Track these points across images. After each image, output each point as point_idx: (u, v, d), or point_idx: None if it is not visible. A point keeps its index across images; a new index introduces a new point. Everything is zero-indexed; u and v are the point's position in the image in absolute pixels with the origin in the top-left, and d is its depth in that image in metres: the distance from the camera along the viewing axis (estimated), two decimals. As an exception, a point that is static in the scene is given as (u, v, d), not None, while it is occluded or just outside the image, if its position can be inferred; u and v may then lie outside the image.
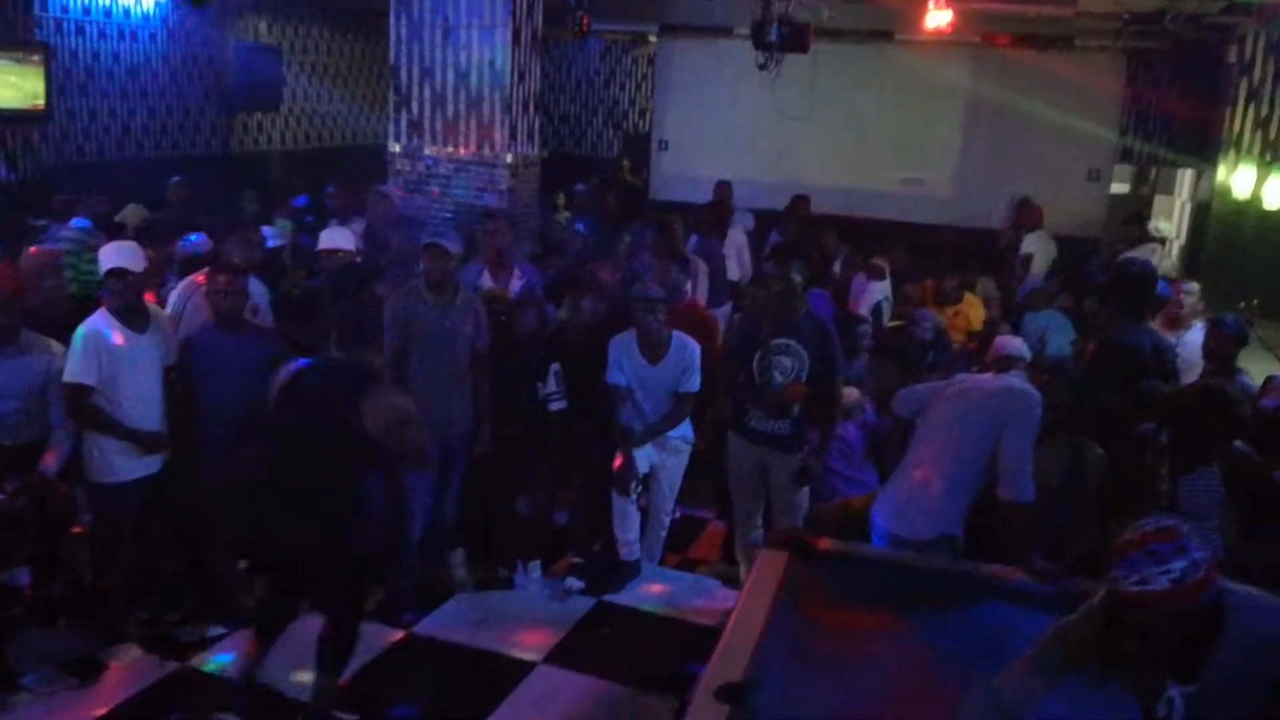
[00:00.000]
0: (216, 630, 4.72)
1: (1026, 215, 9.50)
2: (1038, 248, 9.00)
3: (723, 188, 9.36)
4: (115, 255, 4.47)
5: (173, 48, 10.98)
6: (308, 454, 3.74)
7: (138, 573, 4.73)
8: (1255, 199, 8.67)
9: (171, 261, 6.10)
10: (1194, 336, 5.28)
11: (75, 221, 6.66)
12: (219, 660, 4.51)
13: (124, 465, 4.44)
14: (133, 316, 4.44)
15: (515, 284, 6.23)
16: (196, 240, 6.37)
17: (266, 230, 7.25)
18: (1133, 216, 8.43)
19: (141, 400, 4.47)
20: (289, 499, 3.72)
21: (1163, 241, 8.17)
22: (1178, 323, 5.52)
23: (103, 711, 4.14)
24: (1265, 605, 2.40)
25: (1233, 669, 2.34)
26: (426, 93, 7.86)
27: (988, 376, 4.24)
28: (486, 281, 6.17)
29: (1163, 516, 2.41)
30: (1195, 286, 5.99)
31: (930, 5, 7.43)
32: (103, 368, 4.33)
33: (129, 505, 4.49)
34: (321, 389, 3.85)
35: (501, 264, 6.30)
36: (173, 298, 5.16)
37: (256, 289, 5.30)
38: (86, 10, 9.88)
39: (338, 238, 6.06)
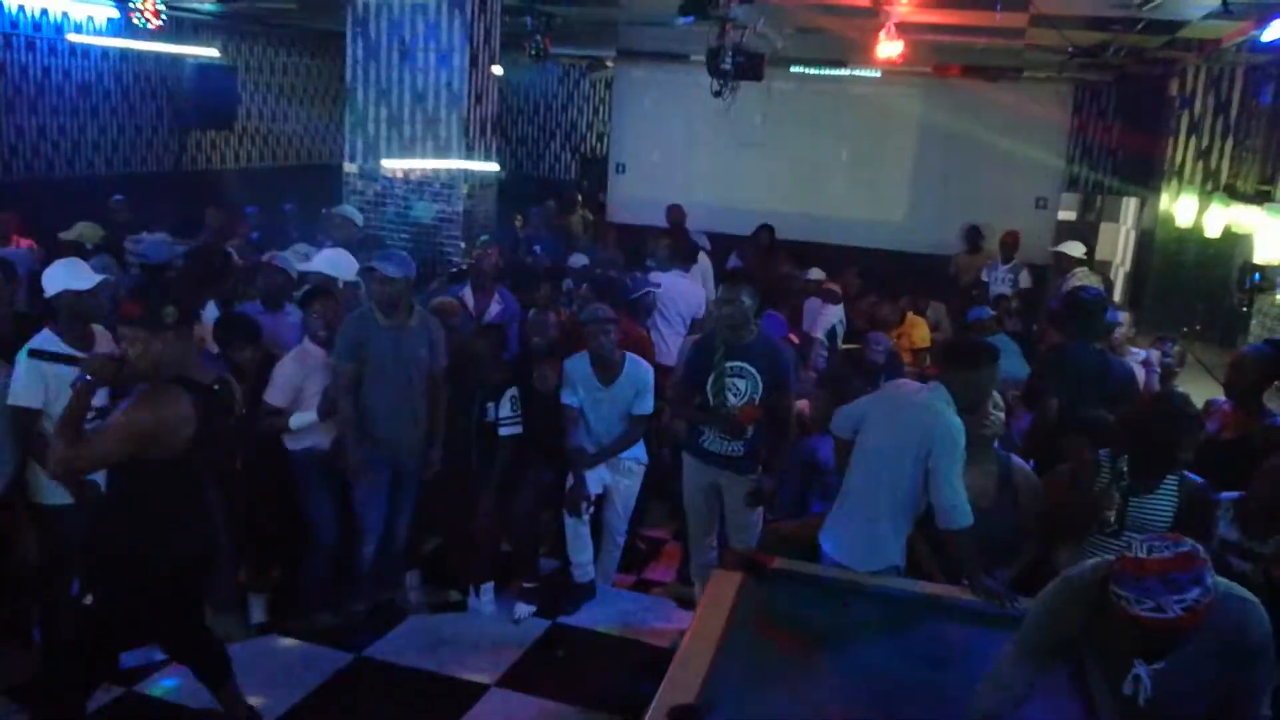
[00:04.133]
0: (160, 655, 4.63)
1: (1011, 241, 9.65)
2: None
3: (676, 211, 9.43)
4: (62, 276, 4.39)
5: (125, 65, 10.88)
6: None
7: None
8: (1197, 227, 8.92)
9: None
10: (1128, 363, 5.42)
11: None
12: (164, 685, 4.43)
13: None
14: (76, 336, 4.37)
15: (494, 308, 6.22)
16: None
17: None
18: (1053, 255, 8.74)
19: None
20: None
21: (1085, 264, 8.43)
22: (1113, 350, 5.66)
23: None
24: (1238, 595, 2.54)
25: (1201, 651, 2.44)
26: (383, 113, 7.85)
27: (915, 386, 4.21)
28: (468, 298, 6.17)
29: (1181, 540, 2.38)
30: (1125, 315, 6.17)
31: (882, 36, 7.55)
32: (49, 389, 4.24)
33: (73, 527, 4.39)
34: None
35: (483, 286, 6.28)
36: None
37: (210, 313, 5.26)
38: (37, 26, 9.76)
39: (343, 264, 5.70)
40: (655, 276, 6.97)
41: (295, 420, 4.87)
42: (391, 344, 4.90)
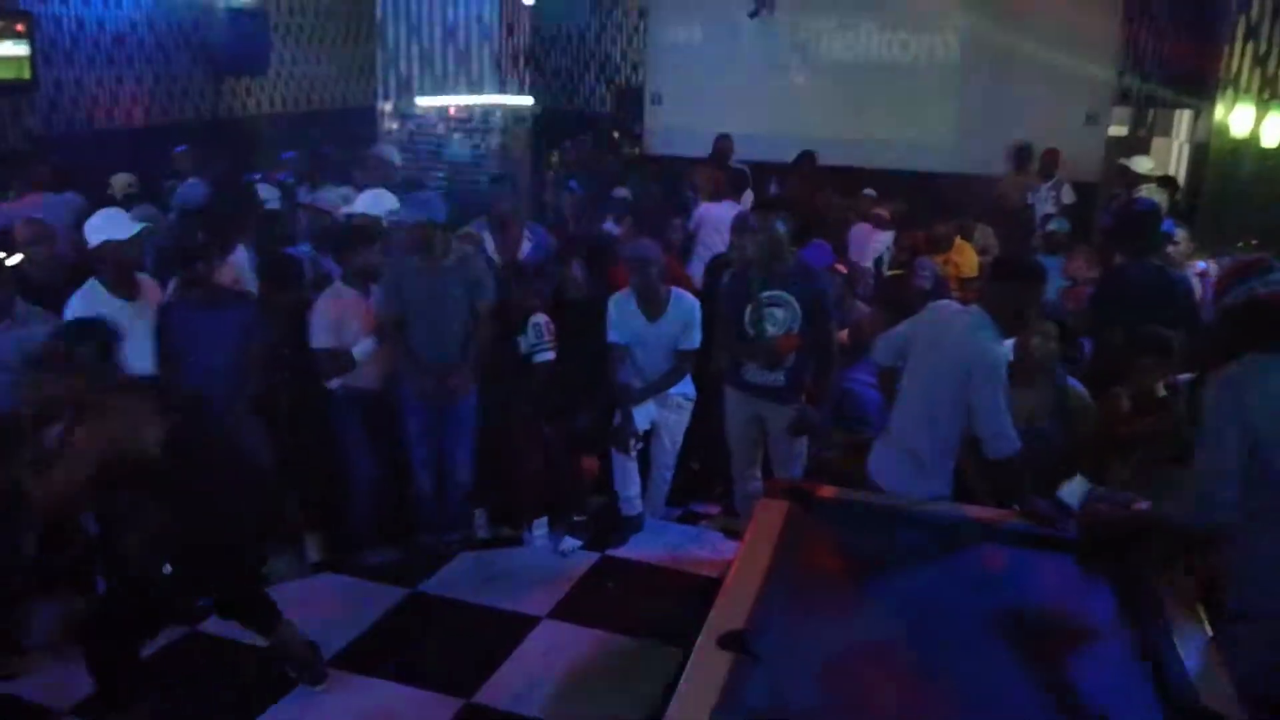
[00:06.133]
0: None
1: (1051, 159, 9.41)
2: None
3: (724, 141, 9.22)
4: (102, 227, 4.43)
5: (157, 13, 10.84)
6: None
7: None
8: (1253, 137, 8.60)
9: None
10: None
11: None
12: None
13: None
14: (121, 285, 4.42)
15: (525, 246, 6.17)
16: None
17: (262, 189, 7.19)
18: (1118, 168, 8.47)
19: (131, 370, 4.44)
20: None
21: (1159, 180, 8.10)
22: (1171, 266, 5.52)
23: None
24: None
25: None
26: (414, 50, 7.78)
27: (956, 308, 4.12)
28: (489, 245, 6.12)
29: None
30: (1183, 232, 5.99)
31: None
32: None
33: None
34: None
35: (506, 228, 6.21)
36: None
37: (240, 255, 5.29)
38: (69, -23, 9.74)
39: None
40: (706, 208, 6.89)
41: (359, 350, 4.93)
42: (428, 284, 4.91)
